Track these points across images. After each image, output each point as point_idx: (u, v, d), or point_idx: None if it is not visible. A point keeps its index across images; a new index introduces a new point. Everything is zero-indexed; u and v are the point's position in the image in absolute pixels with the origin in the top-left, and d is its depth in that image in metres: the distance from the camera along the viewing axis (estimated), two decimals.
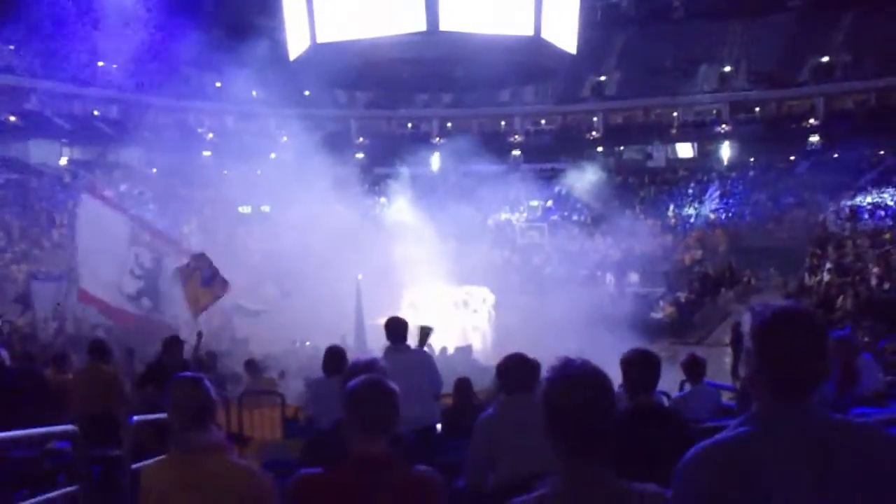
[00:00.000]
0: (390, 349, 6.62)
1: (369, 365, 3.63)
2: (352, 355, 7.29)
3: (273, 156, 38.69)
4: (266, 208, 30.59)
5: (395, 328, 6.65)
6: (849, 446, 1.93)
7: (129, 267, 13.44)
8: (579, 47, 16.28)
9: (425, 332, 8.26)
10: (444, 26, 13.29)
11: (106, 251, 13.01)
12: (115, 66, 37.70)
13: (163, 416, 3.87)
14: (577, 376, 2.09)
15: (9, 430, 4.76)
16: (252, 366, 11.31)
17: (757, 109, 42.77)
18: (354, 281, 17.48)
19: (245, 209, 31.85)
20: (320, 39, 14.30)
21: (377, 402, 2.64)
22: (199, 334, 10.51)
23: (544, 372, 2.22)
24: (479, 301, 26.41)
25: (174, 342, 8.66)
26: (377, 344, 13.62)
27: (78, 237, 13.61)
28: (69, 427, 4.94)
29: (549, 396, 2.10)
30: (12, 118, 35.81)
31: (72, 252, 14.61)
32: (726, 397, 7.71)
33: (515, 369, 4.21)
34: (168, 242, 14.26)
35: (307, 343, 18.01)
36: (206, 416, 3.06)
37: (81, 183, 17.28)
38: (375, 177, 35.11)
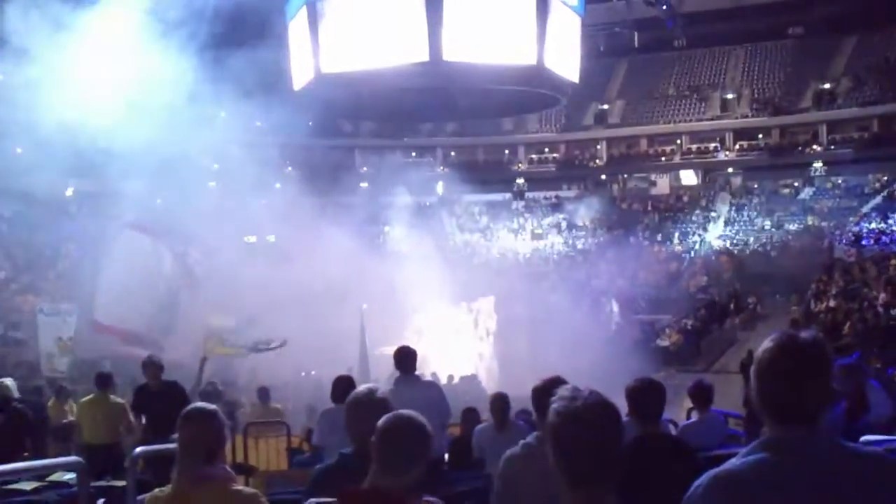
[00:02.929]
0: (399, 379, 6.61)
1: (370, 394, 3.58)
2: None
3: (278, 185, 38.84)
4: (272, 238, 30.63)
5: (404, 358, 6.62)
6: (857, 475, 1.93)
7: (155, 296, 13.85)
8: (582, 75, 16.39)
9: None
10: (447, 56, 13.40)
11: (139, 282, 13.44)
12: (118, 96, 37.93)
13: (168, 446, 3.84)
14: (586, 407, 2.09)
15: (14, 461, 4.75)
16: (264, 393, 11.31)
17: (760, 136, 42.86)
18: (359, 311, 17.45)
19: (250, 239, 31.88)
20: (324, 70, 14.42)
21: (402, 442, 2.58)
22: (203, 360, 10.49)
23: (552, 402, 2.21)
24: (485, 329, 26.43)
25: (151, 365, 8.26)
26: (384, 373, 13.62)
27: (106, 270, 14.01)
28: (74, 458, 4.93)
29: (557, 428, 2.10)
30: (18, 150, 35.97)
31: (87, 283, 14.85)
32: (733, 424, 7.66)
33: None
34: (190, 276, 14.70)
35: (312, 373, 17.98)
36: (215, 450, 3.03)
37: (124, 221, 17.52)
38: (380, 206, 35.22)
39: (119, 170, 35.22)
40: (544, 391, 4.02)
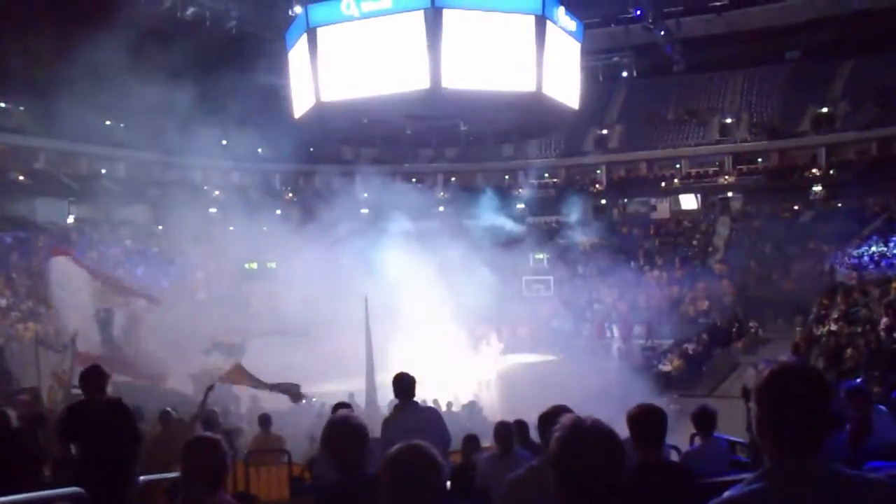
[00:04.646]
0: (399, 405, 6.59)
1: (345, 420, 3.55)
2: (359, 411, 7.22)
3: (279, 212, 38.96)
4: (272, 264, 30.65)
5: (403, 384, 6.60)
6: (860, 502, 1.92)
7: (91, 315, 14.02)
8: (581, 101, 16.48)
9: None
10: (446, 84, 13.48)
11: (78, 305, 13.71)
12: (121, 124, 38.23)
13: (171, 475, 3.84)
14: (589, 436, 2.09)
15: (14, 492, 4.72)
16: (265, 421, 11.26)
17: (759, 160, 43.01)
18: (363, 302, 17.35)
19: (251, 265, 31.93)
20: (324, 98, 14.51)
21: (412, 472, 2.55)
22: (209, 388, 10.40)
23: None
24: (486, 355, 26.37)
25: (94, 374, 6.54)
26: (384, 399, 13.55)
27: (55, 299, 14.38)
28: (75, 489, 4.90)
29: (559, 456, 2.10)
30: (20, 177, 36.18)
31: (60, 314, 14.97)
32: (741, 451, 7.61)
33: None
34: (124, 291, 14.95)
35: (314, 400, 17.90)
36: (218, 479, 3.03)
37: (47, 247, 17.72)
38: (381, 232, 35.37)
39: (120, 197, 35.42)
40: (549, 418, 4.02)
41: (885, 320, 20.24)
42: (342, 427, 3.49)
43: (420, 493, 2.53)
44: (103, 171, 39.92)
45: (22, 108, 36.63)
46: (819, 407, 2.00)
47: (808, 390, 2.00)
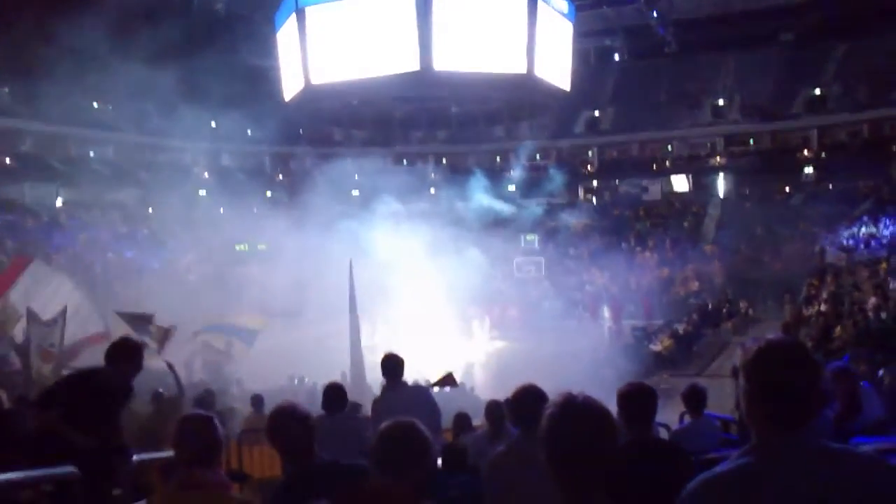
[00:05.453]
0: (387, 386, 6.60)
1: (292, 408, 3.53)
2: (349, 389, 7.24)
3: (269, 194, 38.85)
4: (263, 246, 30.61)
5: (391, 365, 6.61)
6: (848, 476, 1.94)
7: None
8: (573, 82, 16.45)
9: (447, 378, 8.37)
10: (437, 66, 13.42)
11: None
12: (109, 106, 37.97)
13: (165, 454, 3.85)
14: (580, 412, 2.10)
15: (4, 472, 4.71)
16: (258, 401, 11.28)
17: (751, 142, 43.02)
18: (348, 266, 17.42)
19: (242, 247, 31.87)
20: (314, 81, 14.43)
21: (401, 445, 2.56)
22: (170, 365, 10.40)
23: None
24: (478, 335, 26.46)
25: (131, 351, 5.52)
26: (375, 380, 13.58)
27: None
28: (69, 468, 4.89)
29: (551, 432, 2.11)
30: (8, 160, 35.94)
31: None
32: (735, 431, 7.66)
33: (530, 402, 3.77)
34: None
35: (305, 379, 17.95)
36: (213, 455, 3.04)
37: None
38: (371, 213, 35.35)
39: (109, 180, 35.23)
40: (519, 398, 4.04)
41: (872, 300, 20.40)
42: (289, 417, 3.43)
43: (409, 468, 2.55)
44: (91, 153, 39.65)
45: (7, 90, 36.30)
46: (806, 383, 2.01)
47: (795, 366, 2.01)
